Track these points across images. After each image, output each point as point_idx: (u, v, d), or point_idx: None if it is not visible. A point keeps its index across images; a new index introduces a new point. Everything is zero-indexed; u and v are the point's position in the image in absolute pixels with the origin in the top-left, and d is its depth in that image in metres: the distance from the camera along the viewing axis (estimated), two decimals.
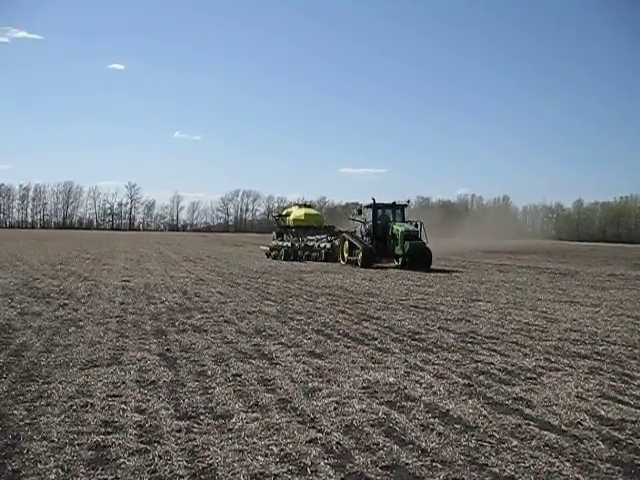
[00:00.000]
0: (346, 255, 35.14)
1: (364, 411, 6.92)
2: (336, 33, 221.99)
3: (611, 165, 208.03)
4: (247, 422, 6.52)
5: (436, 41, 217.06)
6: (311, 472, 5.25)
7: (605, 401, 7.50)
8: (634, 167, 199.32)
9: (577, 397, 7.65)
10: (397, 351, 10.36)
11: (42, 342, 10.53)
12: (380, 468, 5.35)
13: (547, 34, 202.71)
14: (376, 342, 11.14)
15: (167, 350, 10.15)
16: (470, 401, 7.39)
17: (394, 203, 35.37)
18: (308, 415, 6.78)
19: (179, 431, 6.22)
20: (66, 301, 15.92)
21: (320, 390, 7.79)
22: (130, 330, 11.88)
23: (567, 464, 5.47)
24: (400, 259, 33.75)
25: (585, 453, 5.77)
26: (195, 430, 6.26)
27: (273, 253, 40.61)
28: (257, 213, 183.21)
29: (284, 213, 52.59)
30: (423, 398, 7.49)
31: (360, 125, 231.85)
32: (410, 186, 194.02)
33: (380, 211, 34.79)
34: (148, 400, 7.27)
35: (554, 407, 7.21)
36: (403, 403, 7.28)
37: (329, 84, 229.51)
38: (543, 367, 9.33)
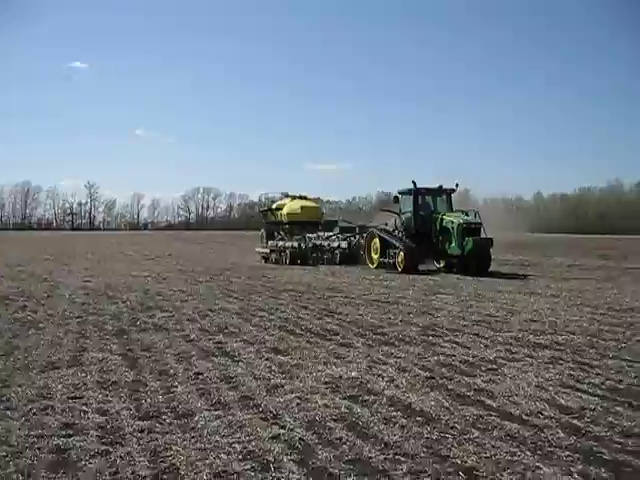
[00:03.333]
0: (376, 256, 27.98)
1: (327, 406, 6.93)
2: (297, 29, 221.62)
3: (568, 157, 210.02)
4: (209, 420, 6.49)
5: (399, 35, 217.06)
6: (274, 468, 5.24)
7: (565, 390, 7.59)
8: (590, 159, 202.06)
9: (537, 387, 7.74)
10: (359, 345, 10.39)
11: (1, 345, 10.38)
12: (343, 462, 5.35)
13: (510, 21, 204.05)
14: (339, 337, 11.17)
15: (128, 350, 10.07)
16: (432, 393, 7.44)
17: (440, 187, 27.97)
18: (271, 411, 6.77)
19: (141, 431, 6.17)
20: (26, 303, 15.72)
21: (283, 386, 7.79)
22: (91, 331, 11.78)
23: (528, 453, 5.54)
24: (444, 260, 27.30)
25: (545, 442, 5.84)
26: (157, 430, 6.21)
27: (274, 256, 33.80)
28: (218, 210, 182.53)
29: (274, 207, 45.77)
30: (385, 392, 7.52)
31: (324, 120, 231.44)
32: (374, 181, 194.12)
33: (421, 198, 27.65)
34: (109, 401, 7.20)
35: (515, 397, 7.29)
36: (366, 397, 7.30)
37: (292, 80, 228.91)
38: (504, 358, 9.43)
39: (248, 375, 8.39)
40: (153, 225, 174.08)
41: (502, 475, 5.07)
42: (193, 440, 5.92)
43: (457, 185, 28.04)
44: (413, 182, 27.33)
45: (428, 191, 27.93)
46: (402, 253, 26.04)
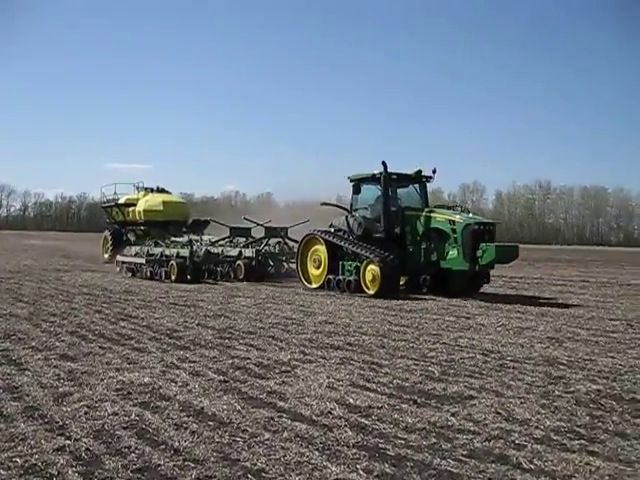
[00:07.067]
0: (317, 272, 20.52)
1: (116, 414, 6.71)
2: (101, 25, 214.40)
3: (372, 159, 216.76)
4: None
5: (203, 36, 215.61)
6: None
7: (354, 389, 7.82)
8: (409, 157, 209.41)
9: (328, 387, 7.92)
10: (154, 350, 10.20)
11: None
12: (131, 472, 5.19)
13: None
14: (133, 342, 10.90)
15: None
16: (225, 397, 7.41)
17: (419, 172, 20.22)
18: (57, 422, 6.46)
19: None
20: None
21: (71, 395, 7.45)
22: None
23: (316, 453, 5.63)
24: (410, 277, 20.11)
25: (334, 441, 5.97)
26: None
27: (146, 269, 24.48)
28: (12, 209, 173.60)
29: (123, 202, 37.16)
30: (178, 397, 7.41)
31: (126, 120, 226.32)
32: (175, 182, 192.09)
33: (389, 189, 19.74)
34: None
35: (306, 398, 7.41)
36: (157, 403, 7.15)
37: (94, 79, 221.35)
38: (297, 360, 9.58)
39: (34, 384, 7.97)
40: None
41: (290, 475, 5.12)
42: None
43: (434, 171, 20.46)
44: (383, 163, 19.37)
45: (402, 178, 20.22)
46: (375, 268, 18.29)
